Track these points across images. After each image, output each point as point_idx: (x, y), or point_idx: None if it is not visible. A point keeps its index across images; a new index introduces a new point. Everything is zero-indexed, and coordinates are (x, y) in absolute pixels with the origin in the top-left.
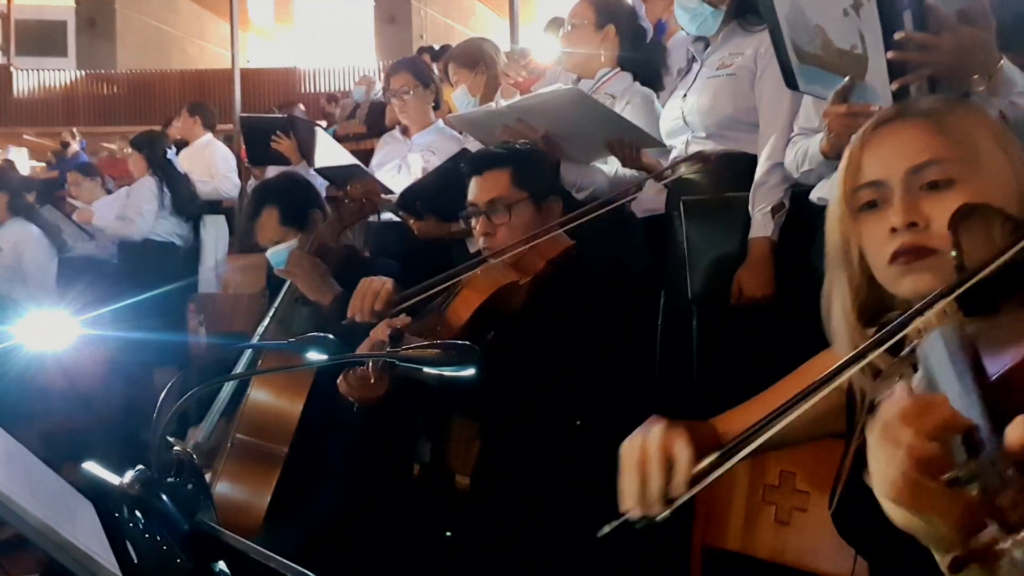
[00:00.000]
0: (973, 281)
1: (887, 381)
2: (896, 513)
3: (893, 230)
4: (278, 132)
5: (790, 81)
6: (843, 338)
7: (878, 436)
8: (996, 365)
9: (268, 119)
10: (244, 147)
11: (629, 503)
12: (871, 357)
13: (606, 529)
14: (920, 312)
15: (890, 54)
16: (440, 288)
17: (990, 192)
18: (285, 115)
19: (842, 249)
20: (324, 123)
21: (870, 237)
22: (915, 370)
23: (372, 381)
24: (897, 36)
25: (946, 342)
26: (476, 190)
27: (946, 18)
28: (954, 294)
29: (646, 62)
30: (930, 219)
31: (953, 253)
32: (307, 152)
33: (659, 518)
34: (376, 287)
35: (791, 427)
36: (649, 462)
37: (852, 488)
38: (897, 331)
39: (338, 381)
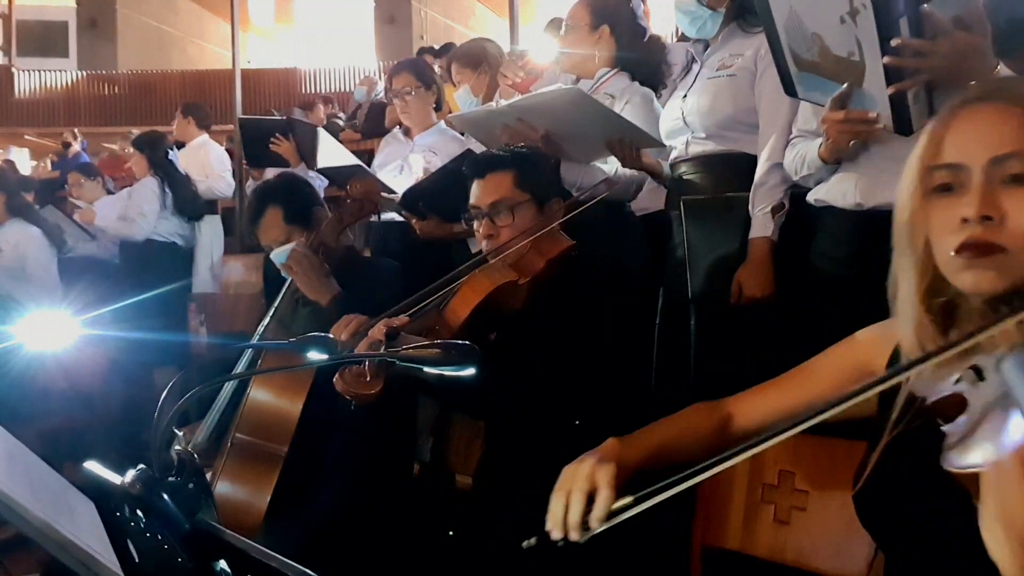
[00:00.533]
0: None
1: (936, 378)
2: (1006, 550)
3: (964, 220)
4: (277, 134)
5: (789, 88)
6: (907, 321)
7: (1013, 473)
8: None
9: (267, 121)
10: (243, 148)
11: (550, 524)
12: (934, 361)
13: (527, 544)
14: (995, 323)
15: (886, 59)
16: (439, 290)
17: None
18: (284, 117)
19: (909, 229)
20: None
21: (939, 222)
22: (977, 375)
23: (368, 379)
24: (893, 42)
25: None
26: (479, 193)
27: (942, 24)
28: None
29: (645, 62)
30: (1006, 214)
31: None
32: (306, 154)
33: (579, 541)
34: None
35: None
36: (573, 491)
37: (879, 479)
38: (968, 339)
39: (334, 379)
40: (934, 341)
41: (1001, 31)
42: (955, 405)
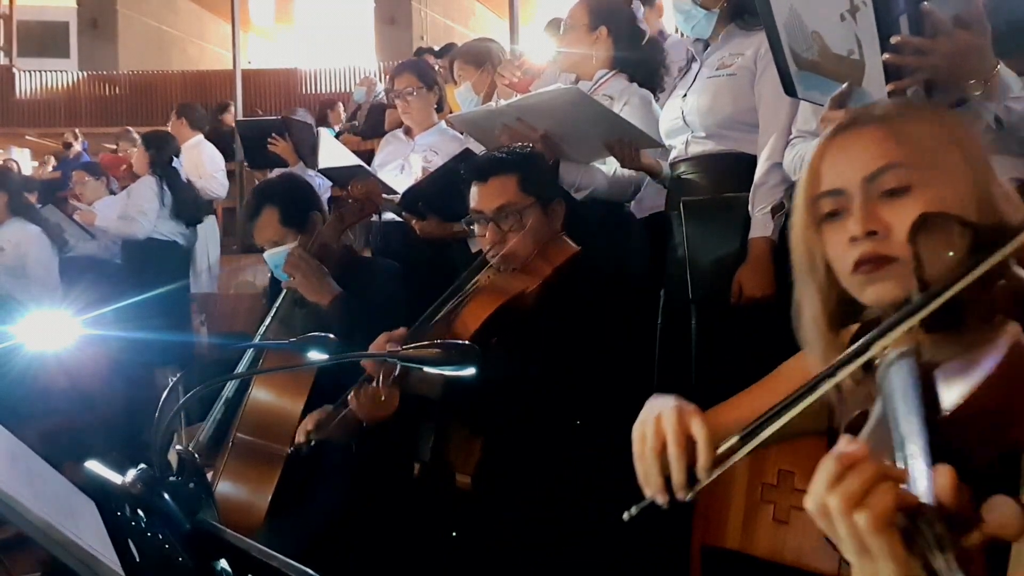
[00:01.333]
0: (935, 305)
1: (859, 393)
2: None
3: (853, 239)
4: (273, 134)
5: (788, 88)
6: (815, 346)
7: (813, 511)
8: (953, 394)
9: (263, 122)
10: (243, 151)
11: (651, 490)
12: (840, 377)
13: (633, 511)
14: (882, 334)
15: (886, 57)
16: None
17: (948, 196)
18: (279, 117)
19: (807, 259)
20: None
21: (833, 247)
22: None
23: (383, 399)
24: (893, 40)
25: (903, 372)
26: (481, 197)
27: (942, 23)
28: (916, 317)
29: (643, 63)
30: (890, 227)
31: (913, 266)
32: (303, 153)
33: (688, 498)
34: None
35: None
36: (670, 445)
37: None
38: (861, 351)
39: (348, 398)
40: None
41: (1001, 32)
42: (861, 424)
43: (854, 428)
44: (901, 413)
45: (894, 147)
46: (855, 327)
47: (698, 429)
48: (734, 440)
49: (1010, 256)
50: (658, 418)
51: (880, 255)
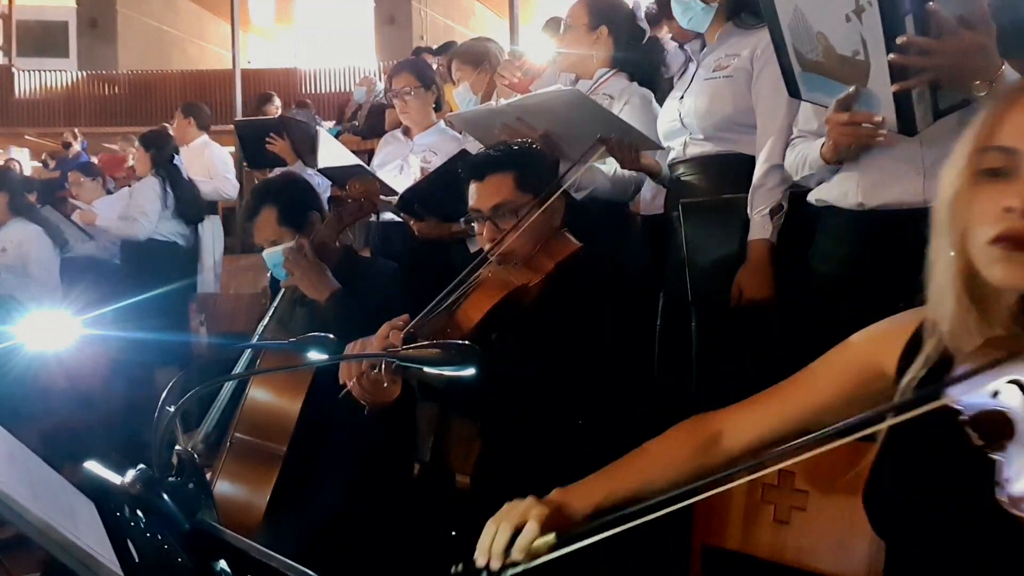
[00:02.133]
0: None
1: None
2: None
3: (1009, 209)
4: (272, 134)
5: (792, 89)
6: (945, 308)
7: None
8: None
9: (261, 122)
10: (242, 151)
11: (477, 551)
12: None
13: (454, 570)
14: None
15: (891, 57)
16: (450, 295)
17: None
18: (278, 116)
19: (952, 210)
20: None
21: (982, 207)
22: (1022, 389)
23: (385, 385)
24: (899, 40)
25: None
26: (479, 195)
27: (947, 23)
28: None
29: (643, 62)
30: None
31: None
32: (301, 152)
33: (502, 571)
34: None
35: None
36: (503, 522)
37: (880, 475)
38: (973, 373)
39: (351, 385)
40: (978, 330)
41: (1005, 31)
42: (997, 424)
43: (984, 429)
44: None
45: None
46: (1015, 304)
47: (530, 523)
48: (549, 538)
49: None
50: (519, 501)
51: None
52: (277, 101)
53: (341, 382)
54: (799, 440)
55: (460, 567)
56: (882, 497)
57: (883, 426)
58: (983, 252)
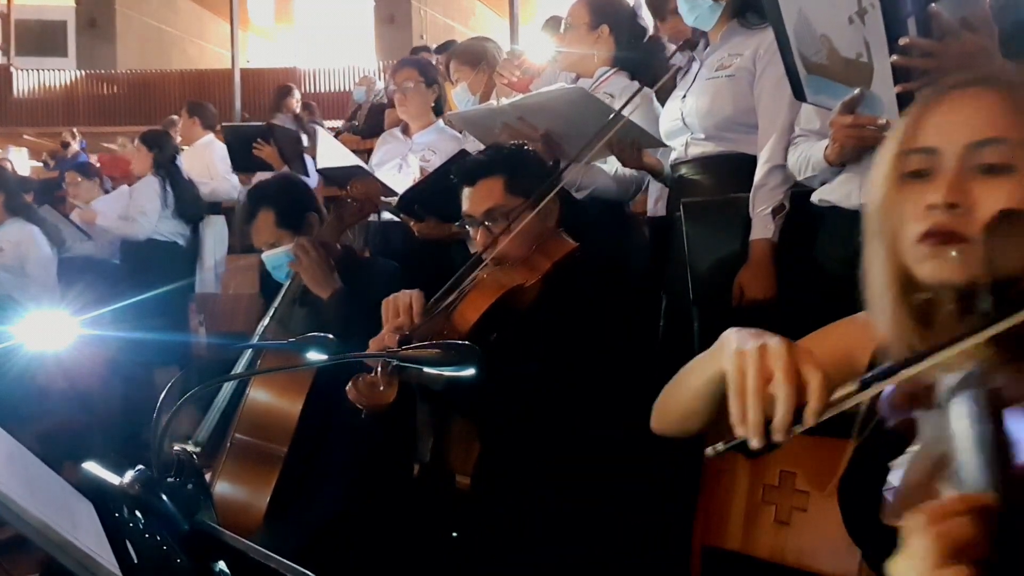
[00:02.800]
0: (1013, 321)
1: (900, 397)
2: None
3: (931, 206)
4: (259, 139)
5: (798, 92)
6: (882, 315)
7: (923, 542)
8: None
9: (248, 127)
10: (228, 155)
11: (747, 430)
12: (885, 383)
13: (720, 448)
14: (946, 347)
15: (894, 59)
16: (448, 295)
17: None
18: (265, 123)
19: (880, 214)
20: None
21: (908, 207)
22: (927, 400)
23: (381, 388)
24: (902, 42)
25: (968, 408)
26: (470, 201)
27: (950, 25)
28: (987, 332)
29: (644, 61)
30: (974, 204)
31: (985, 266)
32: (288, 158)
33: (784, 441)
34: (405, 301)
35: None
36: (780, 384)
37: (849, 485)
38: (917, 361)
39: (347, 388)
40: (915, 337)
41: (1007, 33)
42: (909, 431)
43: (899, 433)
44: (971, 455)
45: (1010, 120)
46: (921, 297)
47: (812, 372)
48: (852, 387)
49: None
50: (762, 351)
51: (952, 231)
52: (297, 94)
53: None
54: None
55: (721, 447)
56: (846, 503)
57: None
58: (912, 251)
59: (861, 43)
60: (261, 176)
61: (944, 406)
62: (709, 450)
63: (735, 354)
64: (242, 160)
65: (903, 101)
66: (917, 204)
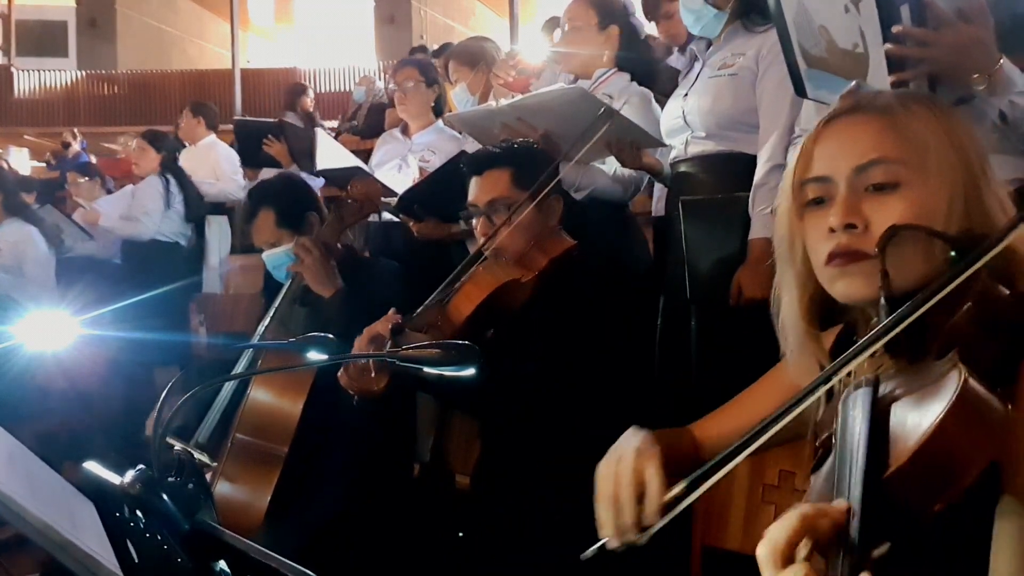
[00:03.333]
0: (898, 330)
1: (831, 410)
2: None
3: (832, 230)
4: (269, 136)
5: (799, 88)
6: (791, 338)
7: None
8: (900, 445)
9: (259, 123)
10: (238, 150)
11: (606, 531)
12: (800, 409)
13: (588, 553)
14: (843, 364)
15: (887, 47)
16: (444, 289)
17: (935, 200)
18: (276, 120)
19: (788, 244)
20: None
21: (812, 234)
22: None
23: (372, 374)
24: (895, 30)
25: (859, 409)
26: (476, 190)
27: (944, 14)
28: (879, 343)
29: (643, 61)
30: (870, 222)
31: (881, 281)
32: (297, 156)
33: (640, 542)
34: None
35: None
36: (620, 492)
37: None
38: (822, 383)
39: (339, 374)
40: (819, 363)
41: (1004, 28)
42: (829, 444)
43: (823, 449)
44: (848, 456)
45: (890, 141)
46: (838, 330)
47: (651, 475)
48: (680, 487)
49: (983, 272)
50: (618, 461)
51: (854, 250)
52: (311, 93)
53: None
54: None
55: (591, 552)
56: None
57: (781, 423)
58: (824, 274)
59: (857, 32)
60: (267, 173)
61: (841, 411)
62: (582, 556)
63: (599, 466)
64: (251, 156)
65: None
66: (820, 229)
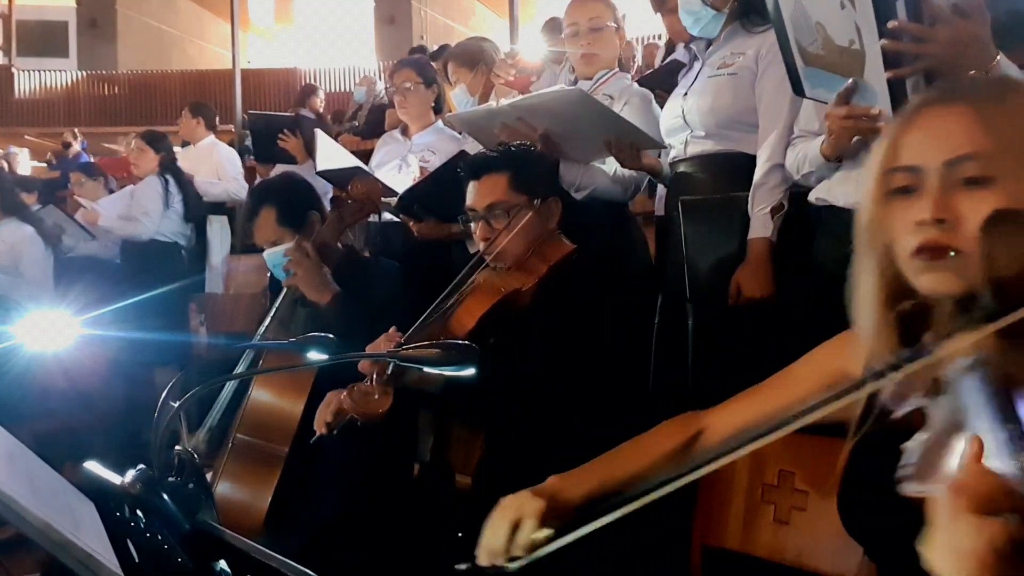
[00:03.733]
0: (1010, 319)
1: (904, 389)
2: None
3: (921, 223)
4: (285, 131)
5: (796, 87)
6: (868, 323)
7: (952, 506)
8: None
9: (275, 117)
10: (252, 144)
11: (479, 550)
12: (895, 376)
13: (459, 568)
14: (952, 335)
15: (883, 43)
16: (445, 299)
17: None
18: (292, 114)
19: (869, 230)
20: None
21: (898, 223)
22: (937, 389)
23: (376, 397)
24: (890, 25)
25: (978, 388)
26: (474, 195)
27: (940, 10)
28: (995, 325)
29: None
30: (961, 217)
31: (984, 265)
32: (312, 151)
33: (507, 569)
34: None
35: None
36: (499, 519)
37: (851, 482)
38: (925, 354)
39: (342, 397)
40: (892, 348)
41: (1001, 24)
42: (918, 420)
43: (906, 426)
44: (987, 428)
45: (982, 134)
46: (908, 305)
47: (527, 517)
48: (548, 532)
49: None
50: (512, 497)
51: (944, 245)
52: (321, 94)
53: (316, 426)
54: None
55: (465, 567)
56: (848, 501)
57: (821, 413)
58: (908, 265)
59: (853, 29)
60: (279, 169)
61: (954, 388)
62: (456, 568)
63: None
64: (266, 150)
65: (895, 89)
66: (906, 220)
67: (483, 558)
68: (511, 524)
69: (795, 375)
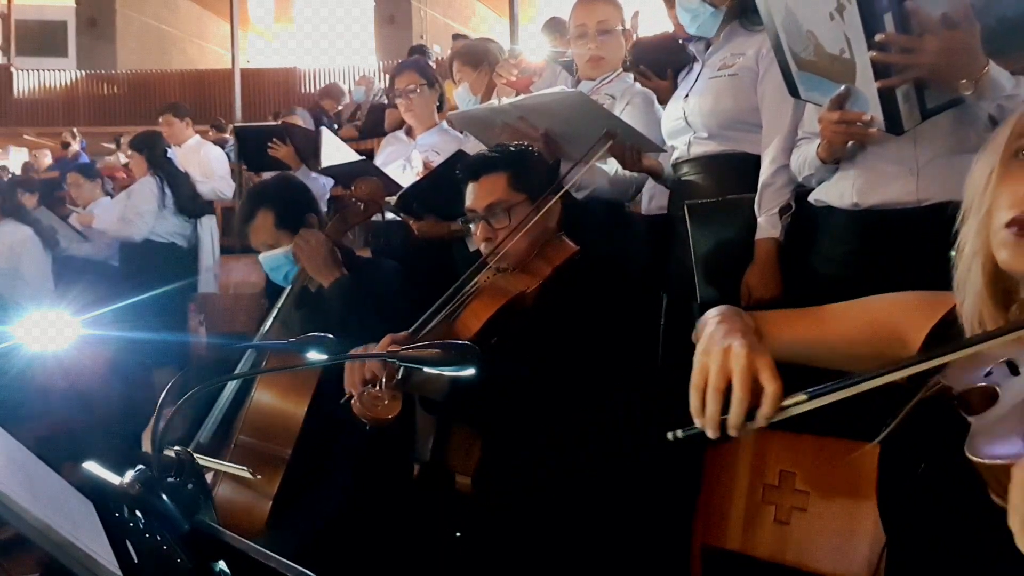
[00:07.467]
0: None
1: (969, 365)
2: None
3: None
4: (274, 139)
5: (792, 89)
6: (969, 287)
7: None
8: None
9: (261, 127)
10: (242, 156)
11: (703, 422)
12: (981, 347)
13: (680, 434)
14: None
15: (872, 54)
16: (448, 300)
17: None
18: (280, 123)
19: (985, 186)
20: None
21: (1007, 188)
22: (1012, 370)
23: (386, 402)
24: (878, 38)
25: None
26: (474, 195)
27: (929, 20)
28: None
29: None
30: None
31: None
32: (305, 156)
33: (739, 436)
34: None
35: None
36: (736, 388)
37: (896, 467)
38: (1004, 333)
39: (352, 402)
40: (991, 314)
41: (991, 30)
42: (984, 398)
43: (971, 404)
44: None
45: None
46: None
47: (768, 379)
48: (801, 397)
49: None
50: (726, 352)
51: None
52: (345, 100)
53: (346, 388)
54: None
55: (680, 433)
56: (890, 494)
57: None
58: (996, 234)
59: (843, 39)
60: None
61: None
62: (669, 435)
63: (700, 354)
64: (256, 160)
65: (885, 98)
66: (1016, 190)
67: (711, 431)
68: (749, 388)
69: (848, 312)
